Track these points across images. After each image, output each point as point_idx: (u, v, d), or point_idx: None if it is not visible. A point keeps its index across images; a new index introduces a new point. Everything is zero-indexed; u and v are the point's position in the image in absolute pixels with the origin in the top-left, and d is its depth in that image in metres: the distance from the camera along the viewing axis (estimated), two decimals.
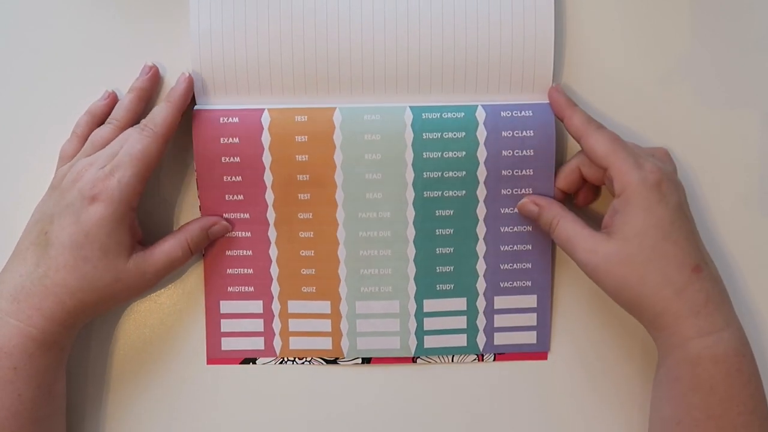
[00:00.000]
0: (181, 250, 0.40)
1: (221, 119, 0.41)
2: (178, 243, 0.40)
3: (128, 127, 0.40)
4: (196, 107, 0.42)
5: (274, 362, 0.43)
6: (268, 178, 0.41)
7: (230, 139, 0.41)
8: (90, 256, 0.36)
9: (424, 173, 0.41)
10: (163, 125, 0.39)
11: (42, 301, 0.36)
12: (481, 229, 0.42)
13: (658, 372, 0.37)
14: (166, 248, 0.39)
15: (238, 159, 0.41)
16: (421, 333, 0.43)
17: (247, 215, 0.42)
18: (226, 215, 0.42)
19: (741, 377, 0.35)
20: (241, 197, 0.41)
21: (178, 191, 0.43)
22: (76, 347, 0.41)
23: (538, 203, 0.40)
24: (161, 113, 0.39)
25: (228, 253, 0.42)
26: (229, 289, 0.42)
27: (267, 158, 0.41)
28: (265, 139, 0.41)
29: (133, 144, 0.38)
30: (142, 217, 0.43)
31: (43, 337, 0.36)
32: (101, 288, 0.37)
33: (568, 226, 0.38)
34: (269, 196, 0.41)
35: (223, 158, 0.41)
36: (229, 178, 0.41)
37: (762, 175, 0.42)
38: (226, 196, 0.41)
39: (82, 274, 0.36)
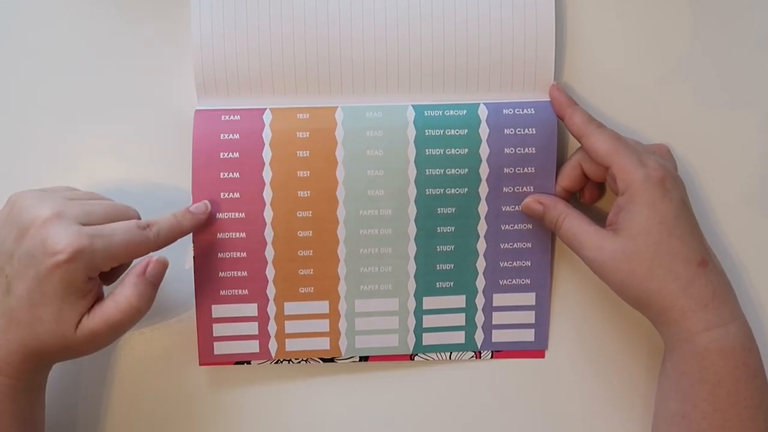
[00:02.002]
0: (119, 313, 0.35)
1: (222, 117, 0.40)
2: (114, 305, 0.35)
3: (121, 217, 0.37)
4: (197, 108, 0.41)
5: (269, 362, 0.42)
6: (267, 174, 0.40)
7: (230, 135, 0.40)
8: (43, 318, 0.34)
9: (426, 170, 0.41)
10: (163, 240, 0.37)
11: (8, 354, 0.34)
12: (482, 227, 0.42)
13: (664, 366, 0.38)
14: (105, 313, 0.35)
15: (237, 155, 0.40)
16: (419, 330, 0.43)
17: (242, 215, 0.41)
18: (220, 215, 0.41)
19: (747, 371, 0.35)
20: (237, 195, 0.41)
21: (176, 191, 0.42)
22: None
23: (542, 202, 0.40)
24: (167, 226, 0.37)
25: (220, 255, 0.41)
26: (222, 292, 0.41)
27: (267, 154, 0.40)
28: (266, 135, 0.40)
29: (129, 232, 0.35)
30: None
31: (19, 384, 0.35)
32: (55, 350, 0.35)
33: (573, 223, 0.38)
34: (267, 194, 0.41)
35: (221, 154, 0.40)
36: (226, 174, 0.40)
37: (762, 175, 0.43)
38: (222, 194, 0.41)
39: (36, 335, 0.34)
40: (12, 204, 0.35)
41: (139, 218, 0.38)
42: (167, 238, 0.37)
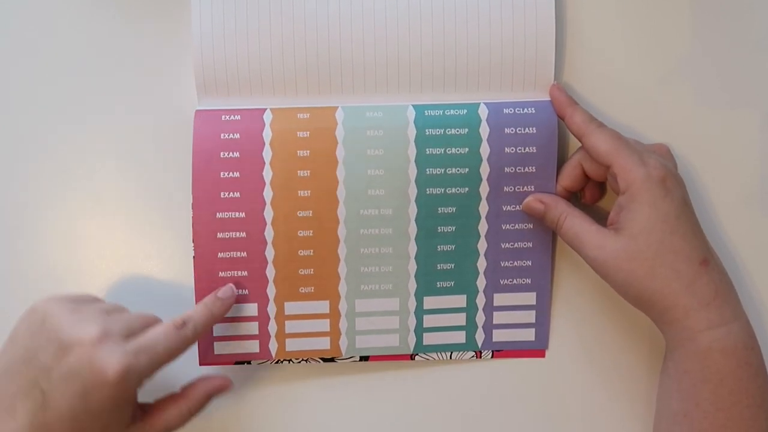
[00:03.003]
0: (180, 419, 0.37)
1: (223, 117, 0.40)
2: (178, 413, 0.37)
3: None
4: (197, 108, 0.41)
5: (269, 362, 0.42)
6: (267, 174, 0.40)
7: (231, 135, 0.40)
8: None
9: (427, 170, 0.41)
10: (201, 332, 0.37)
11: None
12: (482, 227, 0.42)
13: (666, 365, 0.38)
14: (167, 419, 0.36)
15: (237, 154, 0.40)
16: (420, 330, 0.43)
17: (242, 214, 0.41)
18: (220, 214, 0.41)
19: (750, 370, 0.35)
20: (237, 194, 0.41)
21: (176, 191, 0.42)
22: None
23: (543, 201, 0.40)
24: (202, 320, 0.38)
25: (221, 255, 0.41)
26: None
27: (267, 153, 0.40)
28: (267, 134, 0.40)
29: (168, 338, 0.35)
30: (135, 217, 0.42)
31: None
32: None
33: (575, 222, 0.38)
34: (268, 194, 0.41)
35: (222, 153, 0.40)
36: (226, 174, 0.40)
37: (762, 175, 0.43)
38: (222, 193, 0.41)
39: None
40: (42, 316, 0.34)
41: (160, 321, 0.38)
42: (203, 331, 0.38)
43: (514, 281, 0.43)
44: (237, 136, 0.40)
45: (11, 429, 0.32)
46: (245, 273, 0.41)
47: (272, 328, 0.42)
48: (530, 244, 0.42)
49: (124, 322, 0.35)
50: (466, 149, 0.41)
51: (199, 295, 0.41)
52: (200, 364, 0.42)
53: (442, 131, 0.41)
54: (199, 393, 0.38)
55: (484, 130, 0.41)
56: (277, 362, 0.43)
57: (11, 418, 0.32)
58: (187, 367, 0.42)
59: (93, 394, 0.32)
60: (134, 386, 0.34)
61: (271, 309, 0.42)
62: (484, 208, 0.42)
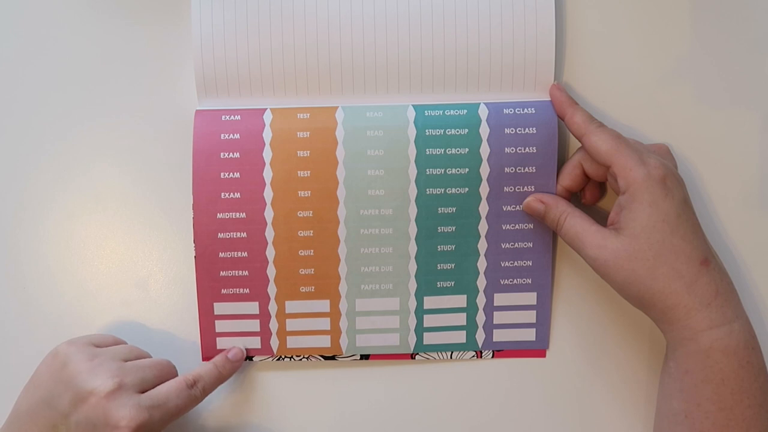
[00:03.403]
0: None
1: (223, 117, 0.40)
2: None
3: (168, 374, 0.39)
4: (198, 108, 0.41)
5: (271, 359, 0.42)
6: (267, 174, 0.40)
7: (231, 135, 0.40)
8: None
9: (427, 170, 0.41)
10: (208, 392, 0.39)
11: None
12: (482, 227, 0.42)
13: (667, 365, 0.38)
14: None
15: (237, 155, 0.40)
16: (420, 330, 0.43)
17: (243, 215, 0.41)
18: (220, 215, 0.41)
19: (751, 370, 0.35)
20: (237, 195, 0.41)
21: (175, 191, 0.42)
22: None
23: (544, 201, 0.40)
24: (211, 381, 0.39)
25: (222, 255, 0.41)
26: (223, 291, 0.41)
27: (267, 154, 0.40)
28: (267, 135, 0.40)
29: (180, 396, 0.37)
30: (135, 217, 0.42)
31: None
32: None
33: (575, 222, 0.38)
34: (268, 194, 0.41)
35: (222, 154, 0.40)
36: (226, 174, 0.40)
37: (762, 175, 0.43)
38: (222, 194, 0.41)
39: None
40: (63, 361, 0.36)
41: (175, 370, 0.39)
42: (211, 390, 0.39)
43: (515, 281, 0.43)
44: (237, 136, 0.40)
45: None
46: (246, 273, 0.41)
47: (273, 325, 0.42)
48: (531, 244, 0.42)
49: (140, 372, 0.37)
50: (467, 149, 0.41)
51: (201, 294, 0.41)
52: (203, 360, 0.42)
53: (443, 131, 0.41)
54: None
55: (484, 131, 0.41)
56: (278, 359, 0.43)
57: None
58: (190, 363, 0.42)
59: None
60: None
61: (272, 307, 0.42)
62: (484, 208, 0.42)
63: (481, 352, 0.43)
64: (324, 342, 0.42)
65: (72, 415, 0.35)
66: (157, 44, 0.42)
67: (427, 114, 0.41)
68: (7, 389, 0.38)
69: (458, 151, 0.41)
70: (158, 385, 0.37)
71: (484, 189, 0.41)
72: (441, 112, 0.41)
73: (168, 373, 0.39)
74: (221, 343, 0.42)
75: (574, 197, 0.42)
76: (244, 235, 0.41)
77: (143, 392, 0.36)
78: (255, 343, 0.42)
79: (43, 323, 0.42)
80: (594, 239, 0.37)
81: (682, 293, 0.35)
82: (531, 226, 0.42)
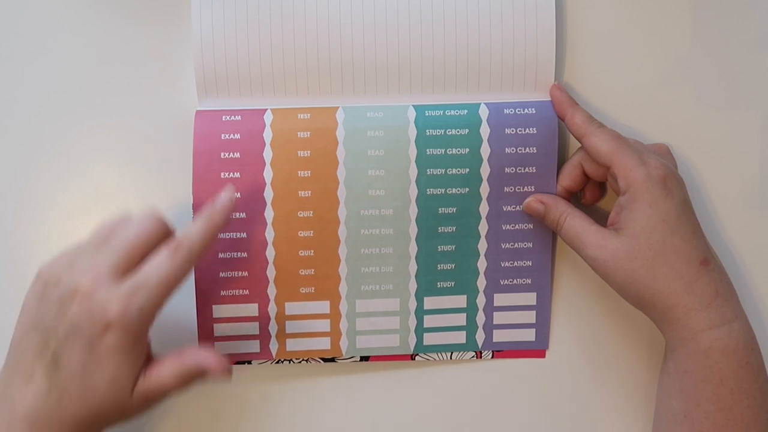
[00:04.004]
0: (171, 379, 0.35)
1: (223, 117, 0.40)
2: (169, 372, 0.35)
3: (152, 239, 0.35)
4: (198, 108, 0.41)
5: (270, 362, 0.42)
6: (267, 174, 0.40)
7: (231, 135, 0.40)
8: (97, 387, 0.33)
9: (427, 170, 0.41)
10: (198, 250, 0.35)
11: (61, 429, 0.33)
12: (483, 227, 0.42)
13: (666, 365, 0.38)
14: (160, 375, 0.35)
15: (237, 155, 0.40)
16: (420, 330, 0.43)
17: (243, 215, 0.41)
18: None
19: (751, 370, 0.35)
20: (238, 195, 0.41)
21: (177, 191, 0.42)
22: None
23: (543, 201, 0.40)
24: (199, 237, 0.35)
25: (221, 255, 0.41)
26: (223, 293, 0.41)
27: (268, 154, 0.40)
28: (267, 135, 0.40)
29: (163, 265, 0.34)
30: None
31: None
32: (109, 417, 0.34)
33: (575, 222, 0.38)
34: (268, 194, 0.41)
35: (222, 154, 0.40)
36: (227, 174, 0.40)
37: (762, 175, 0.43)
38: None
39: (91, 404, 0.33)
40: (44, 280, 0.34)
41: (170, 228, 0.36)
42: (202, 249, 0.35)
43: (515, 281, 0.43)
44: (237, 136, 0.40)
45: (31, 393, 0.33)
46: (246, 273, 0.41)
47: (273, 328, 0.42)
48: (530, 245, 0.42)
49: (114, 255, 0.34)
50: (467, 149, 0.41)
51: (200, 295, 0.41)
52: None
53: (443, 132, 0.41)
54: (189, 360, 0.35)
55: (485, 131, 0.41)
56: (277, 362, 0.43)
57: (31, 382, 0.33)
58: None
59: (97, 344, 0.33)
60: (138, 327, 0.33)
61: (272, 309, 0.42)
62: (484, 208, 0.42)
63: (480, 353, 0.43)
64: (324, 344, 0.42)
65: (59, 327, 0.33)
66: (157, 44, 0.42)
67: (427, 114, 0.41)
68: None
69: (459, 151, 0.41)
70: (142, 254, 0.34)
71: (484, 189, 0.41)
72: (441, 112, 0.41)
73: (150, 235, 0.35)
74: (219, 347, 0.41)
75: (574, 197, 0.42)
76: (244, 235, 0.41)
77: (128, 270, 0.34)
78: (254, 347, 0.42)
79: None
80: (594, 239, 0.37)
81: (682, 293, 0.35)
82: (531, 226, 0.42)
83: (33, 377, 0.33)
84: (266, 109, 0.41)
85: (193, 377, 0.35)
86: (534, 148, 0.41)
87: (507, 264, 0.42)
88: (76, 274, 0.33)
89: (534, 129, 0.41)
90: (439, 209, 0.41)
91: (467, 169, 0.41)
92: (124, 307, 0.33)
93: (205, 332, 0.41)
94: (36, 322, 0.34)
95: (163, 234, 0.35)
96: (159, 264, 0.34)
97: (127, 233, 0.35)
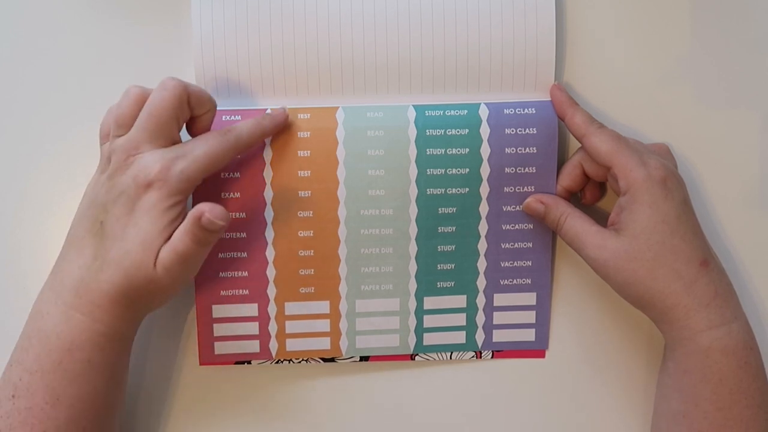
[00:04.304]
0: (182, 244, 0.35)
1: (223, 117, 0.40)
2: (178, 236, 0.35)
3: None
4: None
5: (270, 362, 0.42)
6: (268, 174, 0.40)
7: None
8: (131, 250, 0.34)
9: (427, 170, 0.41)
10: (246, 141, 0.37)
11: (100, 297, 0.34)
12: (483, 227, 0.42)
13: (665, 365, 0.38)
14: (172, 243, 0.35)
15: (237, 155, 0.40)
16: (420, 330, 0.43)
17: (243, 215, 0.41)
18: None
19: (749, 370, 0.36)
20: (237, 195, 0.41)
21: None
22: None
23: (544, 201, 0.40)
24: (247, 129, 0.38)
25: (221, 255, 0.41)
26: (222, 293, 0.41)
27: (268, 154, 0.40)
28: None
29: (210, 141, 0.36)
30: None
31: (110, 331, 0.35)
32: (141, 289, 0.35)
33: (576, 223, 0.38)
34: (268, 194, 0.41)
35: None
36: (226, 174, 0.40)
37: (762, 175, 0.43)
38: (222, 193, 0.41)
39: (125, 271, 0.34)
40: (101, 165, 0.37)
41: (201, 93, 0.37)
42: (249, 140, 0.38)
43: (515, 281, 0.43)
44: None
45: (78, 263, 0.35)
46: (245, 273, 0.41)
47: (272, 328, 0.42)
48: (530, 245, 0.42)
49: (148, 123, 0.35)
50: (467, 150, 0.41)
51: (200, 295, 0.41)
52: (200, 364, 0.42)
53: (443, 132, 0.41)
54: (189, 215, 0.35)
55: (485, 131, 0.41)
56: (277, 362, 0.43)
57: (80, 254, 0.35)
58: (187, 367, 0.42)
59: (137, 202, 0.34)
60: (176, 188, 0.34)
61: (272, 309, 0.42)
62: (484, 208, 0.42)
63: (480, 353, 0.43)
64: (324, 344, 0.42)
65: (108, 200, 0.35)
66: (157, 44, 0.42)
67: (427, 114, 0.41)
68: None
69: (459, 151, 0.41)
70: (177, 116, 0.36)
71: (484, 189, 0.41)
72: (441, 112, 0.41)
73: (177, 98, 0.36)
74: (219, 348, 0.42)
75: (574, 197, 0.42)
76: (244, 235, 0.41)
77: (168, 139, 0.36)
78: (254, 347, 0.42)
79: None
80: (594, 240, 0.37)
81: (682, 294, 0.36)
82: (531, 226, 0.42)
83: (83, 248, 0.35)
84: (266, 109, 0.41)
85: (196, 231, 0.35)
86: (534, 148, 0.41)
87: (507, 264, 0.42)
88: (120, 149, 0.35)
89: (534, 129, 0.41)
90: (439, 209, 0.41)
91: (467, 169, 0.41)
92: (166, 168, 0.34)
93: (205, 332, 0.41)
94: (90, 202, 0.36)
95: (183, 96, 0.36)
96: (206, 139, 0.36)
97: (152, 104, 0.35)
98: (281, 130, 0.40)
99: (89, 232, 0.35)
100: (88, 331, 0.34)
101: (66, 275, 0.35)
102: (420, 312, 0.42)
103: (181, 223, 0.35)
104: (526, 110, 0.41)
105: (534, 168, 0.41)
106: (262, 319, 0.42)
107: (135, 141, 0.35)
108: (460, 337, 0.43)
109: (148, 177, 0.34)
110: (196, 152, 0.35)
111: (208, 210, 0.34)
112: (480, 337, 0.43)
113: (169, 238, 0.35)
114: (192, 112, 0.37)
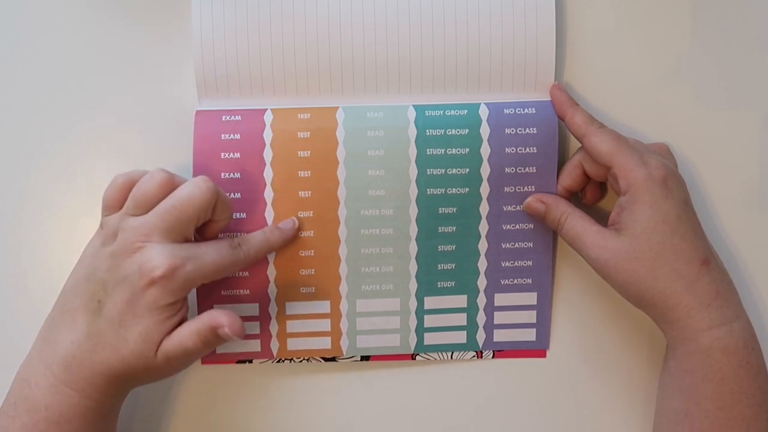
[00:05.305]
0: (191, 342, 0.35)
1: (223, 117, 0.40)
2: (187, 332, 0.35)
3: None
4: (198, 108, 0.41)
5: (271, 361, 0.42)
6: (268, 174, 0.40)
7: (231, 135, 0.40)
8: (129, 339, 0.34)
9: (428, 170, 0.41)
10: (254, 258, 0.38)
11: (93, 376, 0.34)
12: (483, 227, 0.42)
13: (667, 365, 0.38)
14: (180, 336, 0.35)
15: (238, 155, 0.40)
16: (421, 330, 0.43)
17: (243, 215, 0.41)
18: None
19: (751, 369, 0.36)
20: (238, 195, 0.41)
21: None
22: None
23: (544, 201, 0.40)
24: (257, 245, 0.38)
25: None
26: (223, 292, 0.41)
27: (268, 154, 0.40)
28: (267, 135, 0.40)
29: (222, 251, 0.36)
30: None
31: (100, 406, 0.35)
32: (137, 373, 0.35)
33: (576, 222, 0.38)
34: (268, 194, 0.41)
35: (222, 154, 0.40)
36: (227, 175, 0.40)
37: (762, 175, 0.43)
38: None
39: (122, 356, 0.34)
40: (103, 235, 0.36)
41: (227, 202, 0.37)
42: (257, 256, 0.38)
43: (515, 281, 0.43)
44: (237, 136, 0.40)
45: (71, 338, 0.35)
46: (246, 273, 0.41)
47: (273, 327, 0.42)
48: (531, 244, 0.42)
49: (169, 218, 0.35)
50: (467, 149, 0.41)
51: (201, 295, 0.41)
52: (202, 363, 0.42)
53: (443, 132, 0.41)
54: (205, 318, 0.35)
55: (485, 131, 0.41)
56: (278, 361, 0.43)
57: (73, 328, 0.35)
58: (190, 370, 0.42)
59: (139, 298, 0.34)
60: (179, 291, 0.34)
61: (273, 309, 0.42)
62: (484, 208, 0.42)
63: (481, 353, 0.43)
64: (324, 344, 0.42)
65: (109, 280, 0.34)
66: (157, 44, 0.42)
67: (427, 114, 0.41)
68: (8, 389, 0.38)
69: (459, 151, 0.41)
70: (197, 221, 0.36)
71: (484, 189, 0.41)
72: (441, 112, 0.41)
73: (206, 203, 0.35)
74: (221, 347, 0.42)
75: (574, 197, 0.42)
76: None
77: (185, 241, 0.35)
78: (255, 346, 0.42)
79: (43, 323, 0.42)
80: (594, 240, 0.37)
81: (683, 293, 0.36)
82: (531, 226, 0.42)
83: (76, 323, 0.35)
84: (266, 109, 0.41)
85: (209, 336, 0.35)
86: (534, 148, 0.41)
87: (507, 264, 0.42)
88: (131, 231, 0.35)
89: (534, 129, 0.41)
90: (440, 209, 0.41)
91: (467, 169, 0.41)
92: (173, 268, 0.34)
93: None
94: (88, 274, 0.35)
95: (212, 201, 0.36)
96: (218, 248, 0.36)
97: (180, 198, 0.35)
98: (281, 130, 0.40)
99: (85, 308, 0.35)
100: (78, 406, 0.34)
101: (57, 348, 0.35)
102: (421, 312, 0.42)
103: (181, 314, 0.36)
104: (526, 110, 0.41)
105: (534, 168, 0.41)
106: (263, 318, 0.42)
107: (149, 228, 0.34)
108: (460, 337, 0.43)
109: (154, 274, 0.33)
110: (205, 260, 0.35)
111: (227, 324, 0.35)
112: (481, 336, 0.43)
113: (171, 330, 0.35)
114: (211, 217, 0.37)
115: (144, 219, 0.35)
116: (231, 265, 0.36)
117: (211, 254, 0.35)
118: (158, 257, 0.34)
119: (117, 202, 0.36)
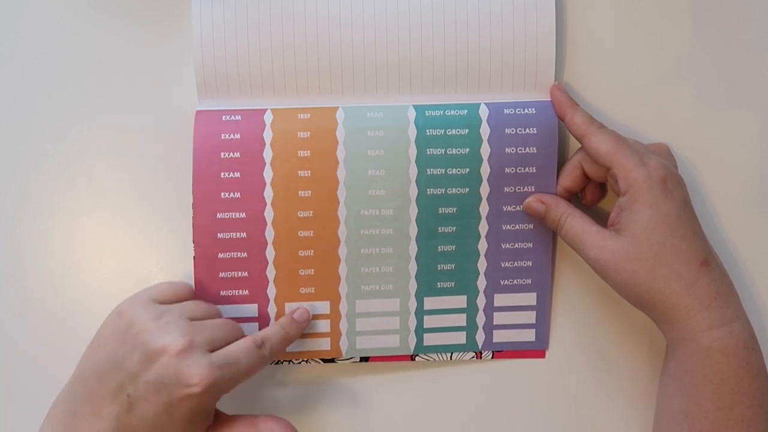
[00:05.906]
0: None
1: (223, 117, 0.40)
2: None
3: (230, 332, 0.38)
4: (198, 108, 0.41)
5: (270, 363, 0.42)
6: (268, 174, 0.40)
7: (231, 135, 0.40)
8: None
9: (428, 170, 0.41)
10: (276, 353, 0.38)
11: None
12: (483, 227, 0.42)
13: (667, 365, 0.38)
14: None
15: (237, 155, 0.40)
16: (420, 331, 0.43)
17: (243, 215, 0.41)
18: (220, 215, 0.41)
19: (751, 370, 0.35)
20: (238, 195, 0.41)
21: (175, 191, 0.42)
22: (71, 340, 0.40)
23: (544, 201, 0.40)
24: (278, 341, 0.38)
25: (221, 255, 0.41)
26: (222, 293, 0.41)
27: (268, 154, 0.40)
28: (267, 135, 0.40)
29: (249, 355, 0.36)
30: (135, 217, 0.42)
31: None
32: None
33: (576, 223, 0.38)
34: (268, 194, 0.41)
35: (222, 154, 0.40)
36: (227, 174, 0.40)
37: (762, 175, 0.43)
38: (222, 193, 0.41)
39: None
40: (128, 321, 0.35)
41: (242, 331, 0.38)
42: (278, 352, 0.39)
43: (515, 282, 0.43)
44: (237, 136, 0.40)
45: (97, 429, 0.33)
46: (245, 274, 0.41)
47: None
48: (531, 245, 0.42)
49: (209, 330, 0.36)
50: (467, 150, 0.41)
51: (200, 295, 0.41)
52: None
53: (443, 132, 0.41)
54: (264, 428, 0.36)
55: (485, 131, 0.41)
56: (277, 363, 0.42)
57: (98, 418, 0.34)
58: None
59: (177, 405, 0.33)
60: (215, 399, 0.35)
61: (272, 309, 0.42)
62: (484, 208, 0.42)
63: (481, 353, 0.43)
64: (324, 345, 0.42)
65: (141, 375, 0.34)
66: (157, 44, 0.42)
67: (427, 114, 0.41)
68: (8, 389, 0.38)
69: (459, 151, 0.41)
70: (226, 344, 0.36)
71: (484, 189, 0.41)
72: (441, 112, 0.41)
73: (235, 333, 0.37)
74: None
75: (574, 198, 0.42)
76: (244, 235, 0.41)
77: (213, 351, 0.35)
78: None
79: (43, 323, 0.42)
80: (594, 240, 0.37)
81: (682, 294, 0.35)
82: (531, 226, 0.42)
83: (102, 415, 0.34)
84: (266, 109, 0.41)
85: None
86: (534, 148, 0.41)
87: (507, 264, 0.42)
88: (172, 331, 0.34)
89: (534, 129, 0.41)
90: (439, 209, 0.41)
91: (467, 169, 0.41)
92: (213, 377, 0.34)
93: None
94: (115, 361, 0.34)
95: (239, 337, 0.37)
96: (248, 350, 0.36)
97: (224, 326, 0.37)
98: (281, 130, 0.40)
99: (113, 400, 0.34)
100: None
101: None
102: (420, 312, 0.42)
103: (212, 416, 0.36)
104: (526, 110, 0.41)
105: (534, 168, 0.41)
106: (262, 319, 0.42)
107: (193, 338, 0.34)
108: (460, 338, 0.43)
109: (191, 383, 0.33)
110: (240, 365, 0.35)
111: None
112: (480, 337, 0.43)
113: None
114: None
115: (204, 326, 0.36)
116: (259, 366, 0.37)
117: (243, 359, 0.36)
118: (198, 369, 0.34)
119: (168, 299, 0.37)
